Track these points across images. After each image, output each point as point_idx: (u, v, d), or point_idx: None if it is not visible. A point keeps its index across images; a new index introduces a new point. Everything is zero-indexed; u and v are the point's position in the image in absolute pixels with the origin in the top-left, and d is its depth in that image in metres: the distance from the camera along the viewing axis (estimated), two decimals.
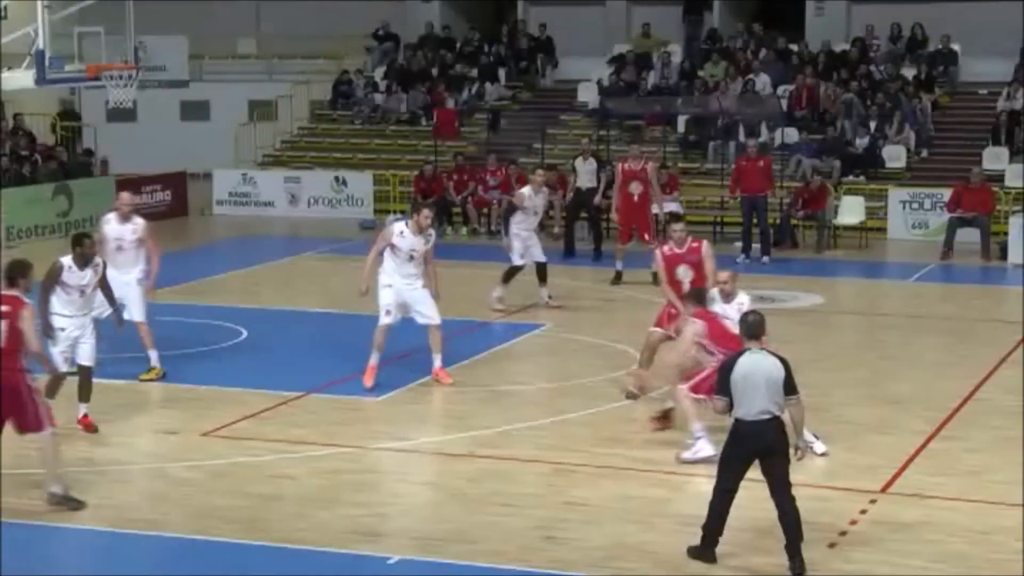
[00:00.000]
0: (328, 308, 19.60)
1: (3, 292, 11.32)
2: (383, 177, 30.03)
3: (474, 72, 33.27)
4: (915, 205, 26.79)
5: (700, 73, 31.42)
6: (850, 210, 26.41)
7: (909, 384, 15.74)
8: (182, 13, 34.78)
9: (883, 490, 11.95)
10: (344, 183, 30.06)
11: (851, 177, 27.79)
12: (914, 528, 11.03)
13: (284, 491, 11.95)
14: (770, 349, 10.30)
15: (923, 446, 13.20)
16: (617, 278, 21.43)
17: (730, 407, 10.10)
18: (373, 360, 14.99)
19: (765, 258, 23.84)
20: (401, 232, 14.93)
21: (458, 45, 34.42)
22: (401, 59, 34.38)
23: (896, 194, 27.04)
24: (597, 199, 24.20)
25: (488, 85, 33.00)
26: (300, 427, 13.81)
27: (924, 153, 28.94)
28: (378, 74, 34.18)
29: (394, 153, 31.78)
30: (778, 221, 25.40)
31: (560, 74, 33.85)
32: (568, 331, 18.16)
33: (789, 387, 10.05)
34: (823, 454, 12.58)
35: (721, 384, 10.17)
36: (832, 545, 10.61)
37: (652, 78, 31.82)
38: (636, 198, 21.68)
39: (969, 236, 24.57)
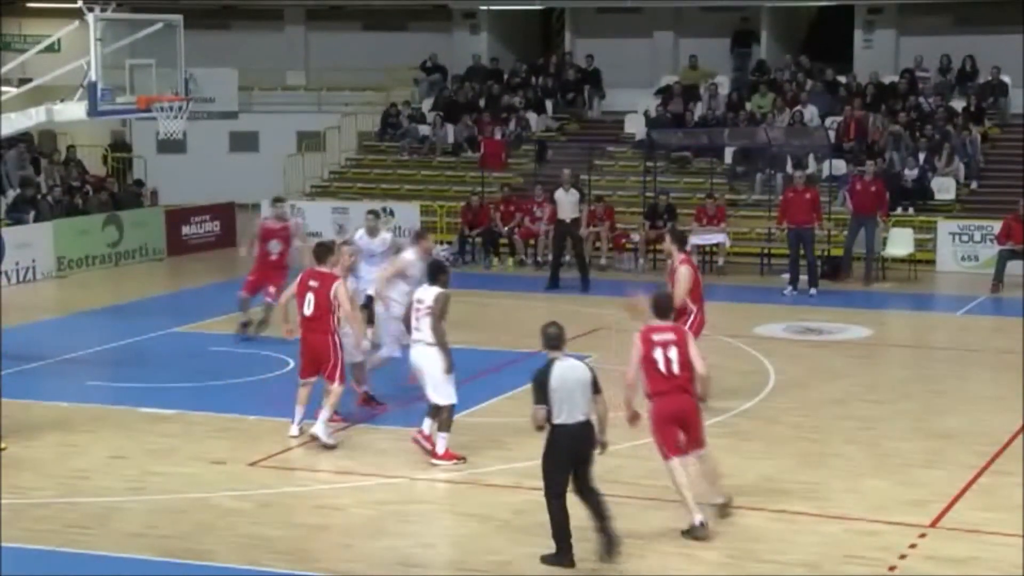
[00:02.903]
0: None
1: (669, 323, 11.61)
2: (430, 208, 30.11)
3: (521, 103, 33.37)
4: (964, 237, 26.64)
5: (747, 105, 31.39)
6: (899, 242, 26.25)
7: (958, 418, 15.61)
8: (232, 46, 35.20)
9: (933, 524, 11.85)
10: (391, 214, 30.13)
11: (900, 209, 27.65)
12: (964, 563, 10.93)
13: (331, 521, 11.99)
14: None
15: (973, 480, 13.09)
16: None
17: (549, 415, 10.54)
18: None
19: (812, 290, 23.73)
20: None
21: (505, 76, 34.53)
22: (448, 90, 34.54)
23: (945, 226, 26.88)
24: (583, 230, 24.66)
25: (535, 116, 33.09)
26: (347, 458, 13.85)
27: (974, 185, 28.77)
28: (426, 105, 34.34)
29: (441, 184, 31.88)
30: (826, 253, 25.26)
31: (607, 105, 33.87)
32: (612, 362, 18.05)
33: (595, 387, 10.70)
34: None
35: (539, 394, 10.57)
36: None
37: (699, 110, 31.79)
38: None
39: (1019, 268, 24.37)
